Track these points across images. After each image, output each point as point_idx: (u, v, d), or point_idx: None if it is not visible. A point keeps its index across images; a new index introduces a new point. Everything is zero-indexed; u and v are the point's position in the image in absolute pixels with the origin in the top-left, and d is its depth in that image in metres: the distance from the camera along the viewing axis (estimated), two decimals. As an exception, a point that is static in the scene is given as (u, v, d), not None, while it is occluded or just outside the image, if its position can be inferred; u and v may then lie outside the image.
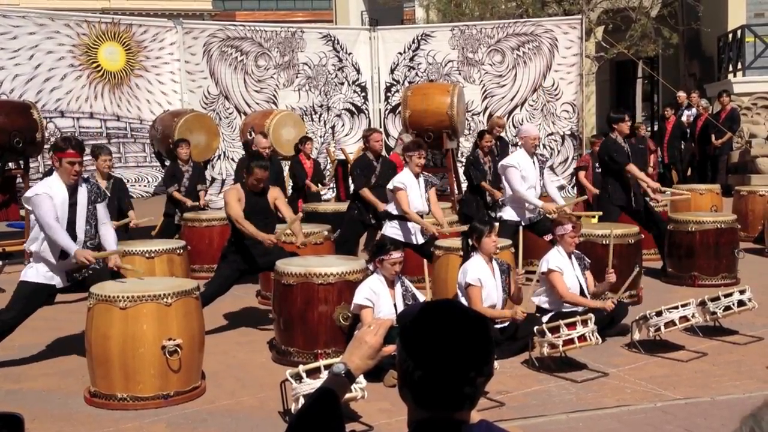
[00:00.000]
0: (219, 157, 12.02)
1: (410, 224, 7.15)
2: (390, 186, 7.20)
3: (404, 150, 7.49)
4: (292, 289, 5.67)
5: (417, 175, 7.18)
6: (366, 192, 7.90)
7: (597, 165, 10.32)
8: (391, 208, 7.23)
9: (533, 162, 7.68)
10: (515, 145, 10.22)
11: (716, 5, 17.72)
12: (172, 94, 11.99)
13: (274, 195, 6.55)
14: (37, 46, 10.76)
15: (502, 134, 10.38)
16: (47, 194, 5.35)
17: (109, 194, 8.56)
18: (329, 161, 12.33)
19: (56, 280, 5.51)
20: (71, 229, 5.43)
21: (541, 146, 11.83)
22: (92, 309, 4.96)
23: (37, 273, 5.49)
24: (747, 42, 16.55)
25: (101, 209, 5.64)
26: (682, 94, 15.35)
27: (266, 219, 6.43)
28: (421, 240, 7.14)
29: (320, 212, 9.02)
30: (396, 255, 5.40)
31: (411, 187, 7.10)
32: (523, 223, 7.57)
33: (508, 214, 7.64)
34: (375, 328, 1.99)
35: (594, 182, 10.18)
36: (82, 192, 5.52)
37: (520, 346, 5.71)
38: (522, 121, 12.75)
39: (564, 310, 5.96)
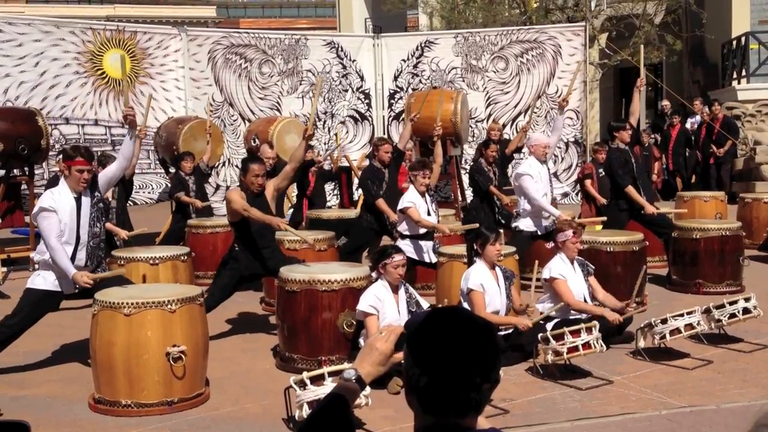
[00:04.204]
0: (223, 164, 12.04)
1: (422, 243, 7.24)
2: (399, 207, 7.24)
3: (409, 169, 7.56)
4: (296, 295, 5.67)
5: (423, 194, 7.24)
6: (381, 203, 7.88)
7: (601, 171, 10.35)
8: (403, 228, 7.27)
9: (546, 169, 7.72)
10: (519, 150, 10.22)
11: (720, 12, 17.72)
12: (176, 101, 12.03)
13: (270, 190, 6.53)
14: (42, 53, 10.80)
15: (504, 137, 10.39)
16: (52, 209, 5.35)
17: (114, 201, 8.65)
18: (333, 168, 12.32)
19: (63, 287, 5.52)
20: (76, 233, 5.45)
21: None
22: (97, 315, 4.97)
23: (44, 280, 5.50)
24: (751, 49, 16.54)
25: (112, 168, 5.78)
26: (666, 103, 15.55)
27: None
28: (434, 259, 7.19)
29: (324, 219, 9.02)
30: (398, 258, 5.41)
31: (419, 206, 7.16)
32: (539, 233, 7.59)
33: (525, 224, 7.66)
34: (386, 334, 2.00)
35: (599, 188, 10.20)
36: (86, 196, 5.54)
37: (524, 354, 5.71)
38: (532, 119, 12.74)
39: (568, 317, 5.95)
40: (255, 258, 6.34)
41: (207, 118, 10.70)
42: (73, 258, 5.42)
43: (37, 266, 5.67)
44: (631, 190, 7.83)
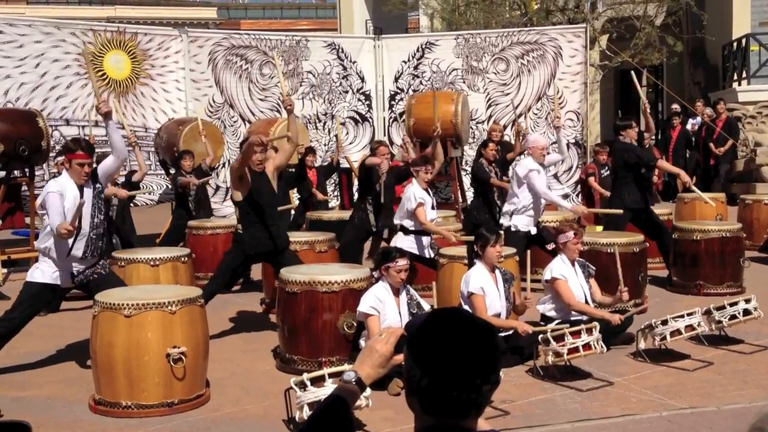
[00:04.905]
0: (223, 165, 12.04)
1: (423, 238, 7.23)
2: (412, 203, 7.16)
3: (412, 165, 7.55)
4: (296, 297, 5.67)
5: (425, 190, 7.25)
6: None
7: (603, 171, 10.36)
8: (408, 223, 7.26)
9: (545, 170, 7.71)
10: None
11: (721, 14, 17.74)
12: (177, 102, 12.03)
13: (270, 169, 6.50)
14: (43, 54, 10.79)
15: (505, 138, 10.40)
16: (59, 192, 5.44)
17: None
18: (332, 160, 12.31)
19: (61, 280, 5.59)
20: (78, 222, 5.48)
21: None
22: (97, 316, 4.97)
23: (42, 273, 5.56)
24: (752, 50, 16.56)
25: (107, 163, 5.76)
26: (675, 106, 15.60)
27: (271, 199, 6.42)
28: (433, 254, 7.19)
29: (324, 220, 9.04)
30: (402, 262, 5.40)
31: (426, 201, 7.19)
32: (532, 233, 7.57)
33: (520, 222, 7.60)
34: (386, 336, 2.00)
35: (602, 188, 10.21)
36: (88, 188, 5.59)
37: (525, 355, 5.70)
38: (527, 129, 12.74)
39: (569, 318, 5.95)
40: (260, 235, 6.34)
41: (198, 119, 10.64)
42: (71, 248, 5.49)
43: (38, 257, 5.72)
44: (663, 162, 7.70)
